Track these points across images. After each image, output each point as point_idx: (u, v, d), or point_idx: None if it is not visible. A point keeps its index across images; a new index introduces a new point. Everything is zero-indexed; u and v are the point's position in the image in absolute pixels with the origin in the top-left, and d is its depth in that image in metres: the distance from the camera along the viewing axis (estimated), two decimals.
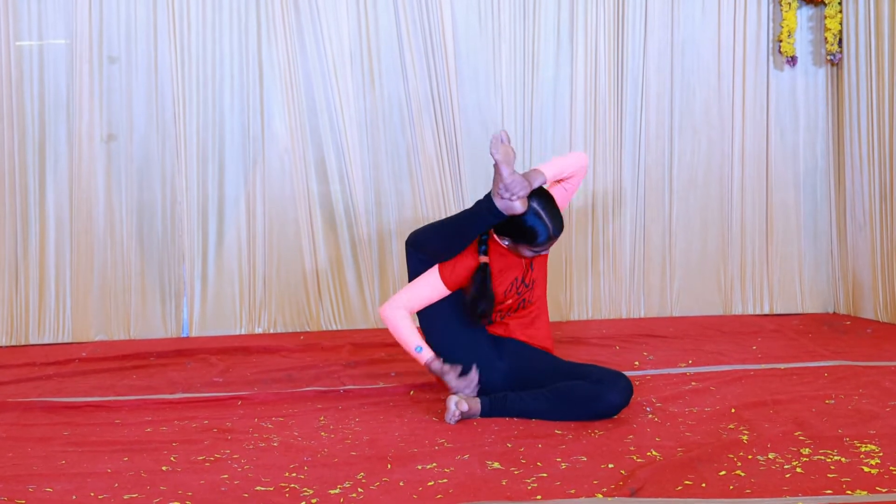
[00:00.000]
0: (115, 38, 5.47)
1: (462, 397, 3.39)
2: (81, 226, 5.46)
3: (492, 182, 3.45)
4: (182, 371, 4.50)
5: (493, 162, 3.38)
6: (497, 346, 3.63)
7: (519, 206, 3.41)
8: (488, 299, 3.52)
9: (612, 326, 5.50)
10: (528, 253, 3.53)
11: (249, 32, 5.57)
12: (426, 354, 3.56)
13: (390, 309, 3.59)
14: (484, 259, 3.56)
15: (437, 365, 3.53)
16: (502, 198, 3.40)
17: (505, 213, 3.42)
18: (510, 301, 3.65)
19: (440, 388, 3.80)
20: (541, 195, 3.48)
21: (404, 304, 3.59)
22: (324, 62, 5.61)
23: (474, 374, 3.47)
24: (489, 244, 3.60)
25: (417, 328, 3.62)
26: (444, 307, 3.60)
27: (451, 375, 3.51)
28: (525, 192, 3.41)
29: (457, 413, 3.34)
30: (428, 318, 3.64)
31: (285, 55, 5.57)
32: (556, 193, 3.65)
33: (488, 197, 3.46)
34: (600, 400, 3.32)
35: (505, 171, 3.36)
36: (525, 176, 3.44)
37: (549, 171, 3.55)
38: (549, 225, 3.44)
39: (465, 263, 3.57)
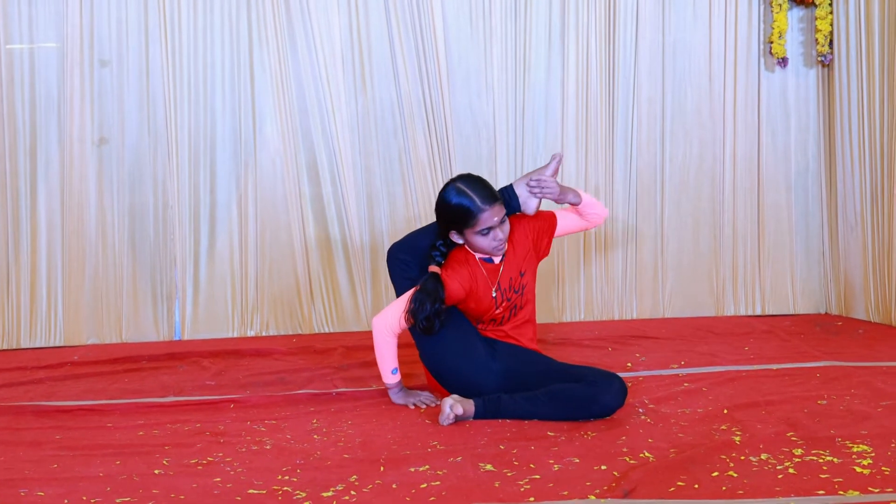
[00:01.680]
0: (106, 41, 5.46)
1: (457, 399, 3.39)
2: (73, 229, 5.46)
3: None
4: (174, 374, 4.49)
5: (552, 159, 3.72)
6: (491, 348, 3.63)
7: (533, 206, 3.69)
8: (434, 309, 3.50)
9: (605, 328, 5.50)
10: (483, 242, 3.52)
11: (241, 36, 5.56)
12: (397, 378, 3.67)
13: (382, 326, 3.61)
14: (435, 269, 3.59)
15: (399, 393, 3.70)
16: (530, 188, 3.67)
17: (520, 200, 3.69)
18: (501, 310, 3.65)
19: (432, 390, 3.80)
20: (463, 176, 3.60)
21: (399, 323, 3.58)
22: (315, 65, 5.61)
23: (448, 410, 3.39)
24: (458, 262, 3.62)
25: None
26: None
27: (410, 400, 3.66)
28: (552, 195, 3.67)
29: (451, 415, 3.34)
30: None
31: (276, 58, 5.57)
32: (568, 219, 3.82)
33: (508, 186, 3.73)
34: (595, 402, 3.33)
35: (549, 170, 3.69)
36: (562, 187, 3.70)
37: (584, 196, 3.76)
38: (474, 196, 3.49)
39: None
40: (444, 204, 3.55)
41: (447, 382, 3.64)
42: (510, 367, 3.58)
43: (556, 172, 3.73)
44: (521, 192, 3.72)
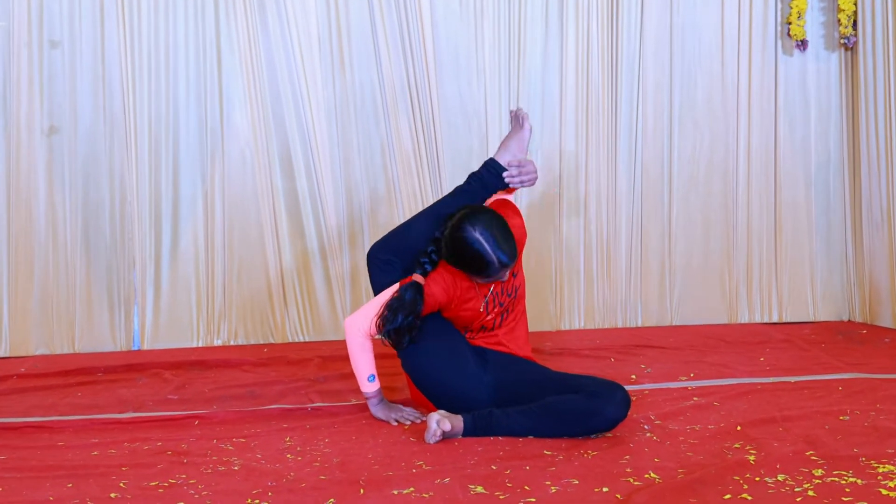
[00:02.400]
0: (56, 19, 5.45)
1: (444, 415, 3.39)
2: (20, 227, 5.44)
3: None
4: (133, 388, 4.48)
5: (520, 120, 3.78)
6: (481, 358, 3.64)
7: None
8: (406, 322, 3.51)
9: (607, 337, 5.51)
10: (484, 283, 3.56)
11: (206, 12, 5.56)
12: (375, 387, 3.67)
13: (354, 328, 3.63)
14: (418, 278, 3.58)
15: (378, 405, 3.69)
16: (509, 177, 3.74)
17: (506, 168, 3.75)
18: (493, 316, 3.66)
19: (417, 405, 3.80)
20: (486, 219, 3.50)
21: (371, 326, 3.60)
22: (288, 45, 5.60)
23: (434, 427, 3.38)
24: (444, 268, 3.63)
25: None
26: (423, 321, 3.62)
27: (391, 415, 3.64)
28: (531, 182, 3.78)
29: (438, 432, 3.34)
30: None
31: (245, 37, 5.56)
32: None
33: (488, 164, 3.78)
34: (597, 415, 3.33)
35: (526, 139, 3.80)
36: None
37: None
38: (496, 252, 3.45)
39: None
40: (459, 243, 3.48)
41: (433, 395, 3.64)
42: (502, 379, 3.58)
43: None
44: (510, 158, 3.78)
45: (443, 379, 3.60)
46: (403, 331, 3.51)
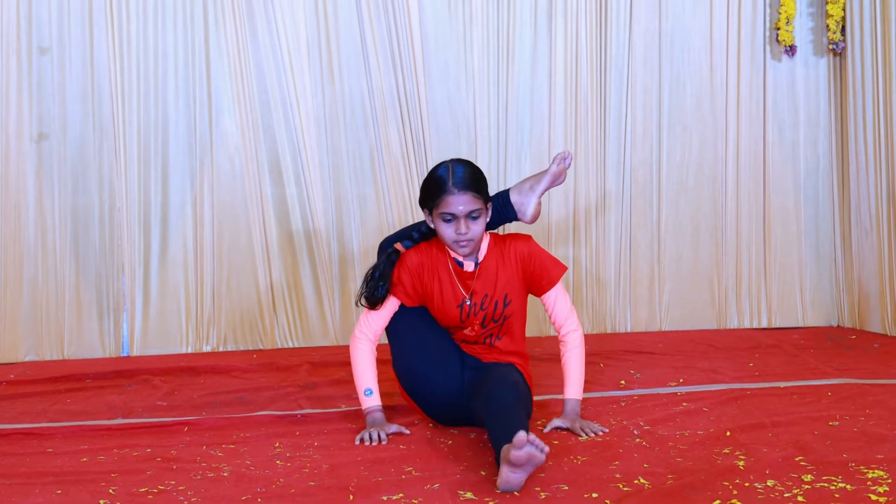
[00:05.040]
0: (45, 26, 5.44)
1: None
2: (9, 234, 5.43)
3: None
4: (122, 394, 4.47)
5: (555, 166, 3.77)
6: (461, 357, 3.65)
7: (531, 211, 3.76)
8: (381, 273, 3.59)
9: (596, 342, 5.51)
10: (446, 231, 3.49)
11: (195, 19, 5.56)
12: (372, 402, 3.62)
13: (357, 334, 3.65)
14: (399, 247, 3.65)
15: (378, 416, 3.60)
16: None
17: (516, 207, 3.74)
18: (472, 332, 3.64)
19: (408, 411, 3.80)
20: (462, 159, 3.62)
21: (372, 328, 3.64)
22: (278, 52, 5.61)
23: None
24: (427, 244, 3.66)
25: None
26: (412, 311, 3.66)
27: (382, 433, 3.51)
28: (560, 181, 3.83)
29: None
30: (393, 321, 3.68)
31: (235, 44, 5.57)
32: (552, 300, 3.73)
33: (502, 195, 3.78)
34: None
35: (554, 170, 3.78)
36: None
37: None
38: (452, 175, 3.48)
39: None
40: (427, 176, 3.59)
41: (413, 388, 3.65)
42: (474, 379, 3.58)
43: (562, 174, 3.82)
44: (517, 198, 3.73)
45: (422, 370, 3.61)
46: (377, 282, 3.58)
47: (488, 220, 3.61)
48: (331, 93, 5.67)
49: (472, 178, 3.50)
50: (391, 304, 3.64)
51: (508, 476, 2.80)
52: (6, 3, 5.38)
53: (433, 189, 3.51)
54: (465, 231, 3.48)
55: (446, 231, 3.50)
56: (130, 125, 5.52)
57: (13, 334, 5.45)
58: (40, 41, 5.45)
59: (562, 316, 3.69)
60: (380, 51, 5.67)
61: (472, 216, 3.48)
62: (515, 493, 2.79)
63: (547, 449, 2.80)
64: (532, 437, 2.79)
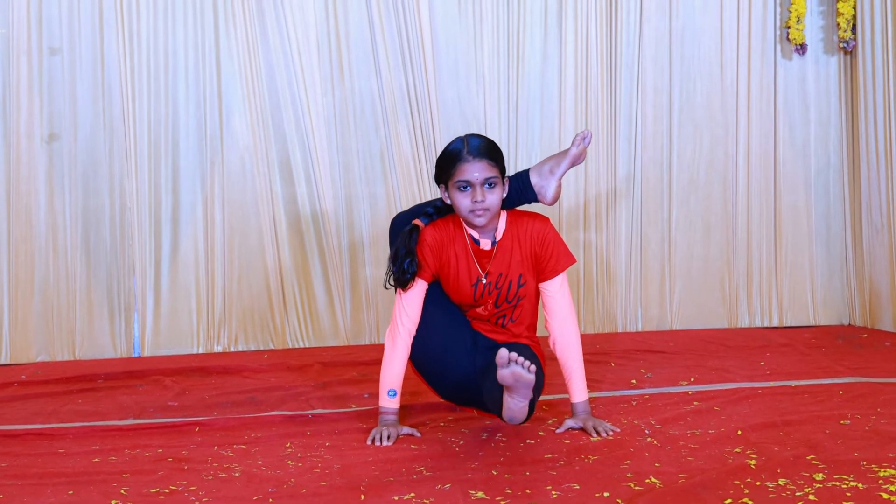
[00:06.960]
0: (56, 26, 5.46)
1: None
2: (20, 234, 5.44)
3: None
4: (133, 394, 4.48)
5: (575, 148, 3.66)
6: (474, 336, 3.65)
7: (551, 192, 3.65)
8: (407, 249, 3.54)
9: (607, 341, 5.51)
10: (461, 200, 3.47)
11: (205, 19, 5.57)
12: (391, 404, 3.58)
13: (398, 326, 3.60)
14: (418, 223, 3.60)
15: (391, 419, 3.58)
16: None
17: (535, 189, 3.63)
18: (486, 311, 3.64)
19: (420, 412, 3.80)
20: (475, 133, 3.59)
21: (410, 316, 3.60)
22: (288, 53, 5.61)
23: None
24: (444, 221, 3.64)
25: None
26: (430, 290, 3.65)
27: (392, 433, 3.51)
28: (579, 160, 3.73)
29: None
30: None
31: (245, 44, 5.57)
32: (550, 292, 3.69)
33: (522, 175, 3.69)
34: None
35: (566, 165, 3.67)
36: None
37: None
38: (466, 144, 3.46)
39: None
40: (441, 152, 3.57)
41: (424, 364, 3.64)
42: (484, 359, 3.59)
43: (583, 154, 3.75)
44: (538, 181, 3.66)
45: (438, 350, 3.60)
46: (404, 258, 3.51)
47: (505, 195, 3.57)
48: (341, 92, 5.68)
49: (487, 146, 3.49)
50: (420, 286, 3.58)
51: (508, 402, 2.79)
52: (16, 4, 5.39)
53: (448, 160, 3.48)
54: (482, 199, 3.43)
55: (462, 201, 3.46)
56: (141, 125, 5.53)
57: (24, 335, 5.47)
58: (51, 42, 5.46)
59: (560, 310, 3.61)
60: (390, 50, 5.67)
61: (488, 183, 3.45)
62: (520, 423, 2.82)
63: (534, 368, 2.79)
64: (514, 355, 2.78)
